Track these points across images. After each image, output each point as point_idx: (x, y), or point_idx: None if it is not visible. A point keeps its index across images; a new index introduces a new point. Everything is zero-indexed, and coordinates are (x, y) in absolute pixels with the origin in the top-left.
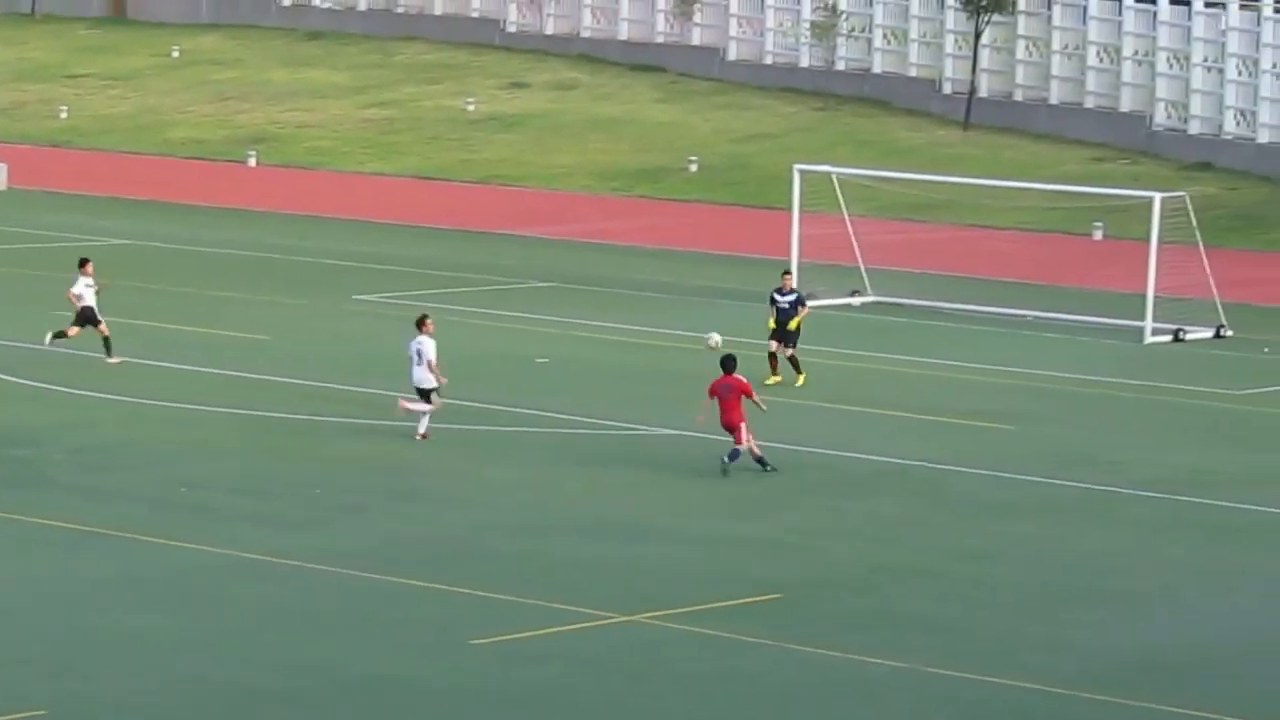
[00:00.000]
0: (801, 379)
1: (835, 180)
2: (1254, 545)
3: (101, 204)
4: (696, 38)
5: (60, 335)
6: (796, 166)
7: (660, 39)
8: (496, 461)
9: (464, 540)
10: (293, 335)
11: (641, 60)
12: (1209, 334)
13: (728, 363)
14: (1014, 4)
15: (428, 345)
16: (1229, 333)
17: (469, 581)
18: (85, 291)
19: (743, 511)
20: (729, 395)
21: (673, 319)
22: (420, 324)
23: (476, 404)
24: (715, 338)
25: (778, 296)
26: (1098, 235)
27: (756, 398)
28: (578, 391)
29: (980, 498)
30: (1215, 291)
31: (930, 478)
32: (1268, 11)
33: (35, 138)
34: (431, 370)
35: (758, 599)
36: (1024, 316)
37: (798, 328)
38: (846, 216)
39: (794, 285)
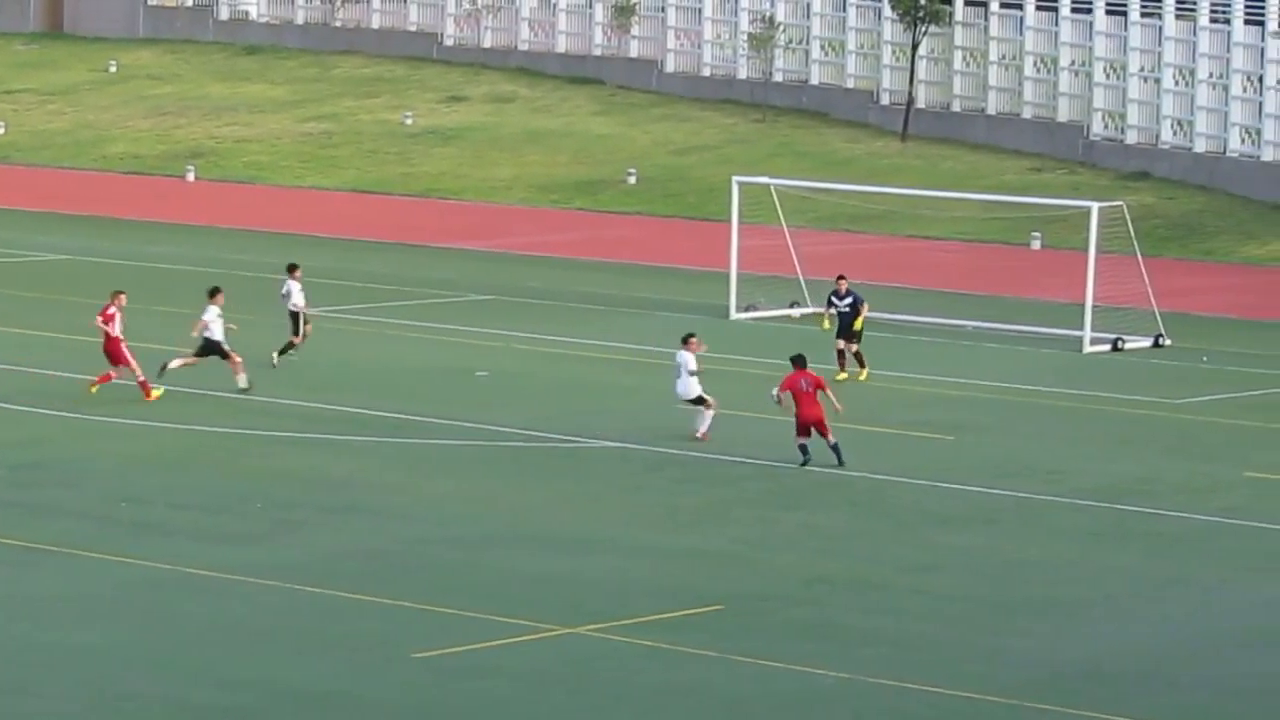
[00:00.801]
0: (864, 373)
1: (774, 191)
2: (1194, 554)
3: (39, 219)
4: (634, 50)
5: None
6: (735, 178)
7: (598, 51)
8: (436, 475)
9: (405, 554)
10: (235, 350)
11: (579, 73)
12: (1148, 343)
13: (799, 359)
14: (950, 15)
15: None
16: (1167, 342)
17: (410, 595)
18: (215, 323)
19: (684, 523)
20: (807, 389)
21: (612, 331)
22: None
23: (416, 417)
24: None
25: (835, 300)
26: (1036, 245)
27: (831, 394)
28: (517, 405)
29: (921, 508)
30: (1154, 301)
31: (871, 488)
32: (1203, 21)
33: None
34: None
35: (700, 610)
36: (963, 327)
37: (861, 327)
38: (785, 228)
39: (848, 288)
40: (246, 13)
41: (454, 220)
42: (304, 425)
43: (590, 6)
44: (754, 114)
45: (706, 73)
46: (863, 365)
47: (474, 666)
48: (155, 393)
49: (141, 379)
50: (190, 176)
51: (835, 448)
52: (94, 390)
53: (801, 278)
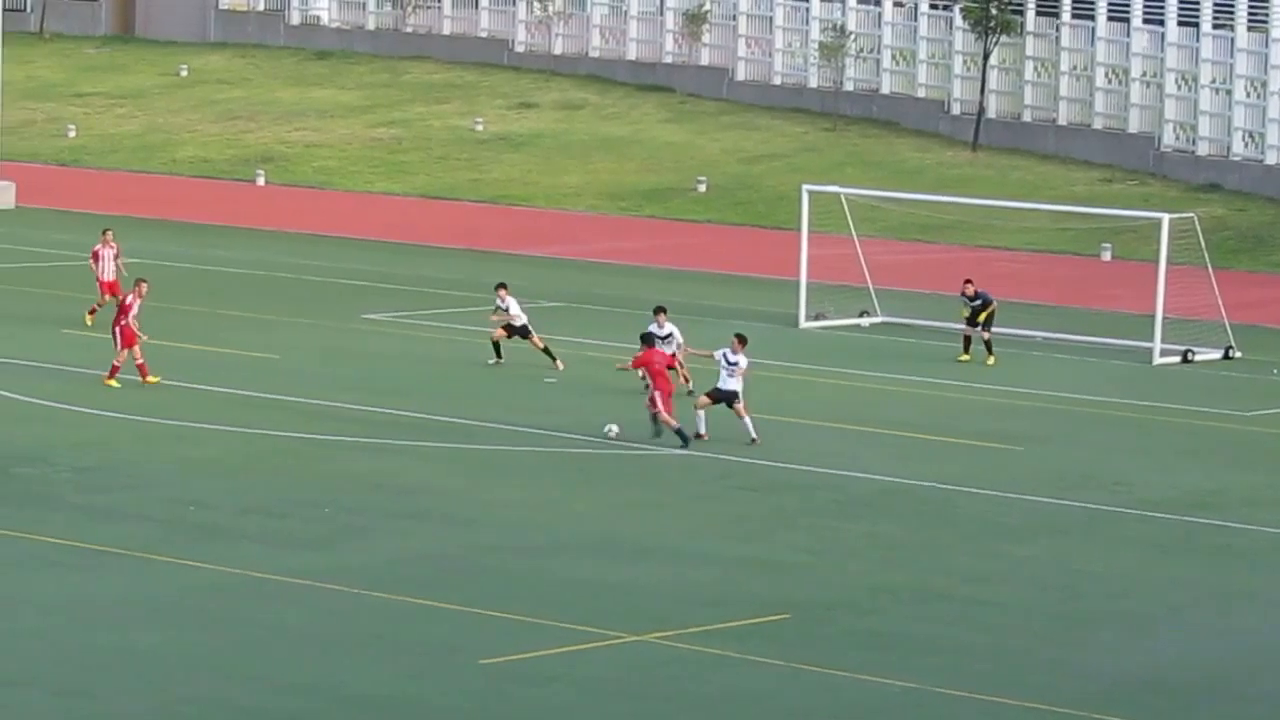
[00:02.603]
0: (992, 359)
1: (843, 200)
2: (1261, 566)
3: (109, 222)
4: (705, 58)
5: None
6: (805, 187)
7: (669, 59)
8: (503, 481)
9: (471, 560)
10: (301, 354)
11: (649, 80)
12: (1217, 355)
13: (647, 338)
14: (1022, 25)
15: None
16: (1237, 354)
17: (477, 601)
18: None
19: (750, 531)
20: (659, 366)
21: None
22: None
23: (483, 423)
24: (614, 429)
25: (966, 299)
26: (1106, 256)
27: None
28: (585, 411)
29: (987, 518)
30: (1224, 313)
31: (938, 498)
32: (1276, 33)
33: (43, 156)
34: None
35: (765, 619)
36: (1032, 337)
37: (988, 318)
38: (855, 237)
39: (976, 290)
40: (317, 17)
41: (523, 227)
42: (371, 430)
43: (661, 14)
44: (824, 123)
45: (777, 81)
46: (990, 352)
47: (539, 673)
48: (153, 378)
49: (140, 361)
50: (260, 181)
51: (654, 418)
52: (113, 383)
53: (871, 287)
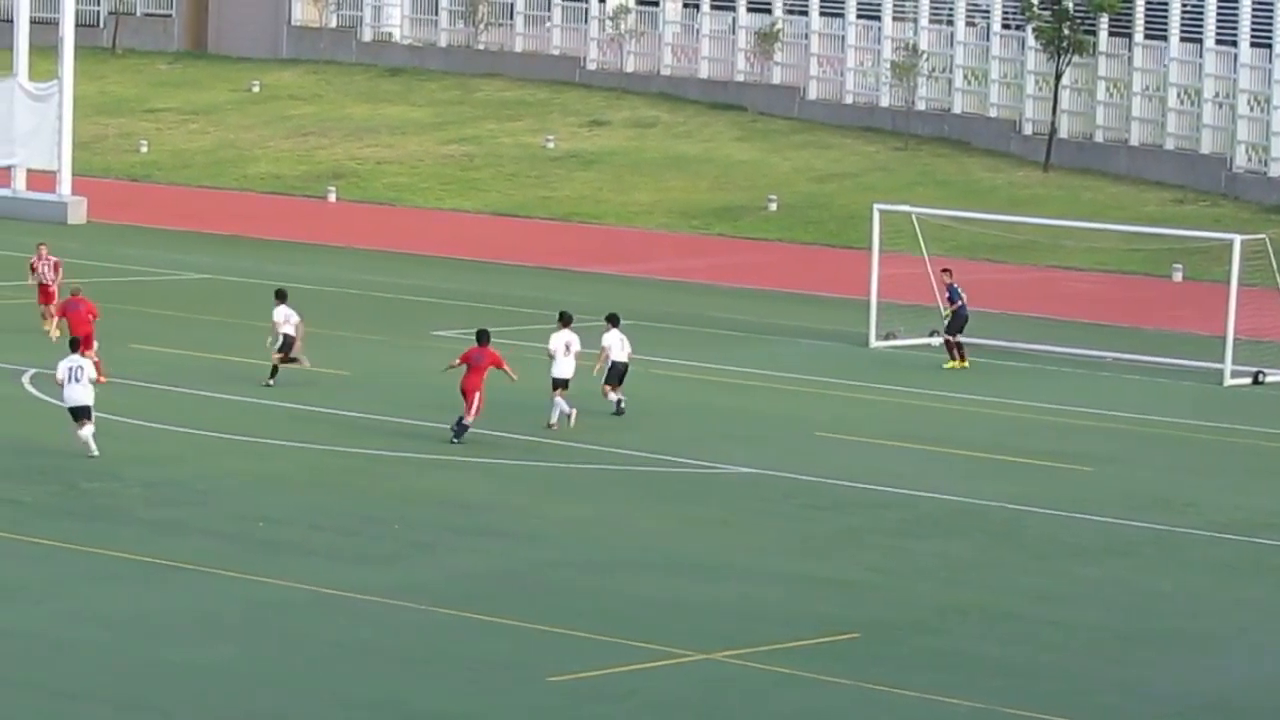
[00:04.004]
0: (954, 364)
1: (915, 220)
2: None
3: (180, 238)
4: (776, 76)
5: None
6: (876, 206)
7: (740, 77)
8: (570, 498)
9: (538, 577)
10: (372, 370)
11: (721, 99)
12: None
13: (482, 335)
14: (1095, 46)
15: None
16: None
17: (544, 618)
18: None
19: (818, 550)
20: (479, 363)
21: (750, 357)
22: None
23: (550, 440)
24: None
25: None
26: (1177, 277)
27: (507, 368)
28: (653, 429)
29: (1056, 539)
30: None
31: (1006, 518)
32: None
33: (115, 171)
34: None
35: (834, 638)
36: (1102, 358)
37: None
38: (926, 256)
39: (951, 284)
40: (390, 34)
41: (593, 244)
42: (438, 447)
43: (733, 32)
44: (895, 142)
45: (849, 100)
46: (957, 356)
47: (608, 691)
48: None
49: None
50: (331, 197)
51: (464, 425)
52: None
53: (942, 306)
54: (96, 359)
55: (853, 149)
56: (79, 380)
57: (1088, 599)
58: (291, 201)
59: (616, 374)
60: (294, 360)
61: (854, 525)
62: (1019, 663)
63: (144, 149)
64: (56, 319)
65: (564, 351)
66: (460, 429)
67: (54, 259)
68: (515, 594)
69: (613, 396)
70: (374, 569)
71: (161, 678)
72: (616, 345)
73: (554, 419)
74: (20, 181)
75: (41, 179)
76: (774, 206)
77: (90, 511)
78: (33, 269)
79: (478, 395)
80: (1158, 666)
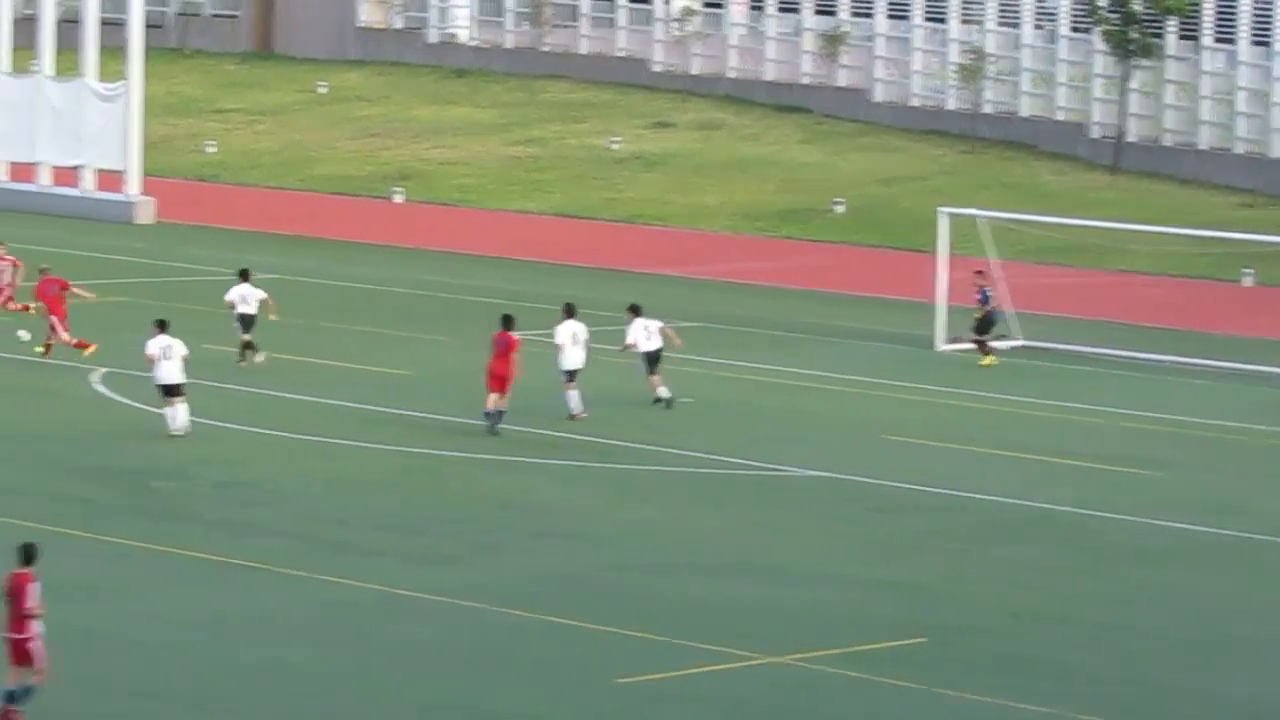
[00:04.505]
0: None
1: (981, 223)
2: None
3: (248, 238)
4: (842, 79)
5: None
6: (942, 209)
7: (806, 80)
8: (638, 500)
9: (606, 579)
10: (437, 371)
11: (787, 101)
12: None
13: (507, 320)
14: (1163, 49)
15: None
16: None
17: (612, 620)
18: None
19: (885, 554)
20: (503, 351)
21: (817, 360)
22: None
23: (619, 442)
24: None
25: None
26: (1247, 281)
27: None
28: (720, 431)
29: (1126, 544)
30: None
31: (1074, 522)
32: None
33: (183, 171)
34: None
35: (902, 642)
36: (1171, 362)
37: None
38: (992, 259)
39: (983, 287)
40: (455, 35)
41: (659, 246)
42: (506, 449)
43: (799, 35)
44: (962, 145)
45: (915, 103)
46: (986, 352)
47: (675, 693)
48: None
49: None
50: (397, 198)
51: (500, 414)
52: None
53: (1009, 310)
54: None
55: (919, 152)
56: (170, 358)
57: (1157, 604)
58: (357, 202)
59: (652, 362)
60: (251, 346)
61: (921, 529)
62: (1089, 668)
63: (211, 149)
64: (23, 309)
65: (571, 342)
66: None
67: (12, 259)
68: (583, 596)
69: (662, 391)
70: (441, 570)
71: (232, 678)
72: (643, 335)
73: (576, 409)
74: (89, 181)
75: (110, 179)
76: (840, 209)
77: (161, 511)
78: None
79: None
80: (1230, 672)
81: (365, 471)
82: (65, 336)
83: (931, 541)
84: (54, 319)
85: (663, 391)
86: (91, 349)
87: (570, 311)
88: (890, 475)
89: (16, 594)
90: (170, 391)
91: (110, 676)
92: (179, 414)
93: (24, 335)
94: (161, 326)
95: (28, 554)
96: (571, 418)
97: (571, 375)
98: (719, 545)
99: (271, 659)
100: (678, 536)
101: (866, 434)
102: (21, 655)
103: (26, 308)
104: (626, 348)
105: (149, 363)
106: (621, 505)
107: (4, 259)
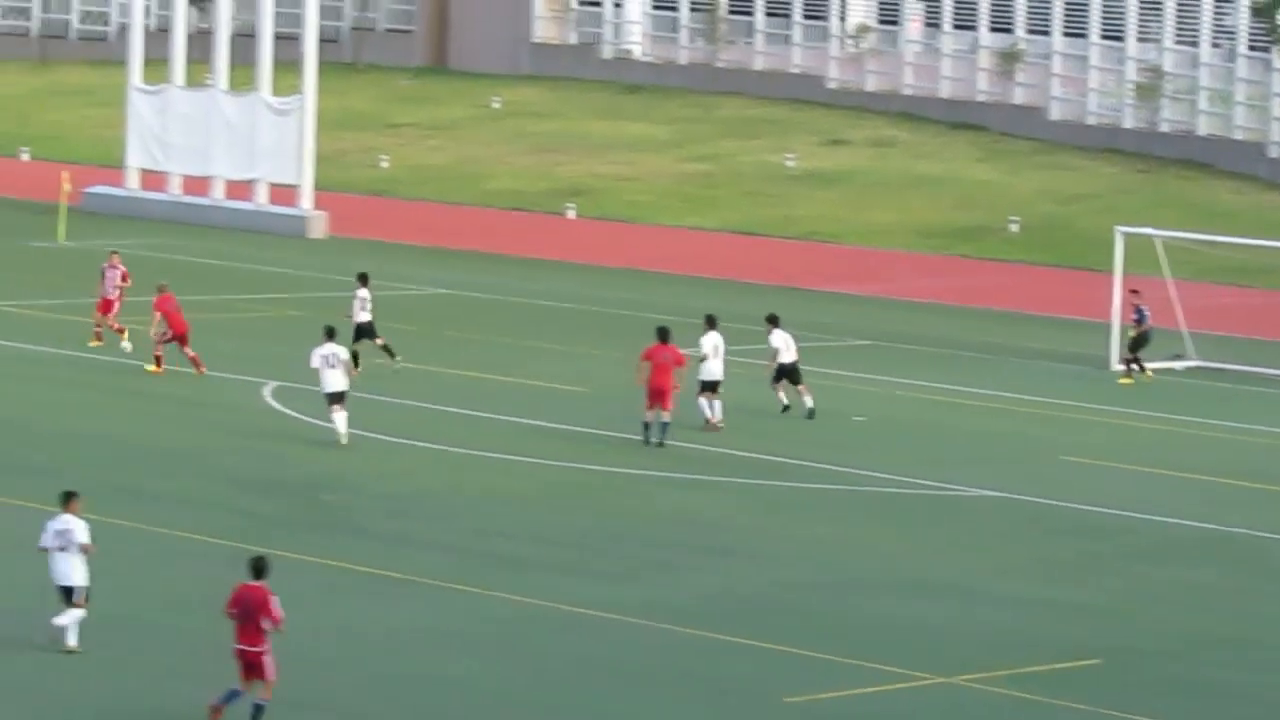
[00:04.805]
0: (1128, 380)
1: (1158, 243)
2: None
3: (420, 253)
4: (1018, 97)
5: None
6: (1118, 228)
7: (981, 97)
8: (810, 519)
9: (776, 597)
10: (609, 388)
11: (962, 118)
12: None
13: (662, 332)
14: None
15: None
16: None
17: (782, 638)
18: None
19: (1060, 575)
20: (665, 361)
21: (991, 379)
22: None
23: (791, 460)
24: None
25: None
26: None
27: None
28: (894, 450)
29: None
30: None
31: (1252, 545)
32: None
33: (356, 186)
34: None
35: (1076, 664)
36: None
37: (1140, 337)
38: (1169, 280)
39: (1139, 306)
40: (630, 51)
41: (833, 264)
42: (678, 465)
43: (974, 52)
44: (1138, 164)
45: (1091, 121)
46: (1130, 373)
47: (845, 713)
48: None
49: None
50: (570, 214)
51: (665, 426)
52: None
53: (1185, 330)
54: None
55: (1095, 170)
56: (335, 366)
57: None
58: (531, 218)
59: (787, 373)
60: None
61: (1097, 550)
62: (1267, 692)
63: (384, 164)
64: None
65: (713, 354)
66: (661, 430)
67: (123, 269)
68: (753, 614)
69: (782, 397)
70: (611, 586)
71: (396, 692)
72: (783, 345)
73: (713, 415)
74: (262, 196)
75: (283, 193)
76: (1015, 228)
77: (330, 524)
78: (102, 276)
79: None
80: None
81: (534, 487)
82: (189, 351)
83: (1106, 563)
84: (176, 336)
85: (808, 400)
86: (203, 370)
87: (712, 323)
88: (1065, 496)
89: (259, 607)
90: (334, 399)
91: (277, 690)
92: (339, 422)
93: (127, 347)
94: (330, 335)
95: (260, 567)
96: (707, 425)
97: (712, 386)
98: (892, 564)
99: (438, 674)
100: (850, 555)
101: (1041, 454)
102: (253, 669)
103: (123, 330)
104: (774, 359)
105: (314, 370)
106: (793, 523)
107: (115, 268)
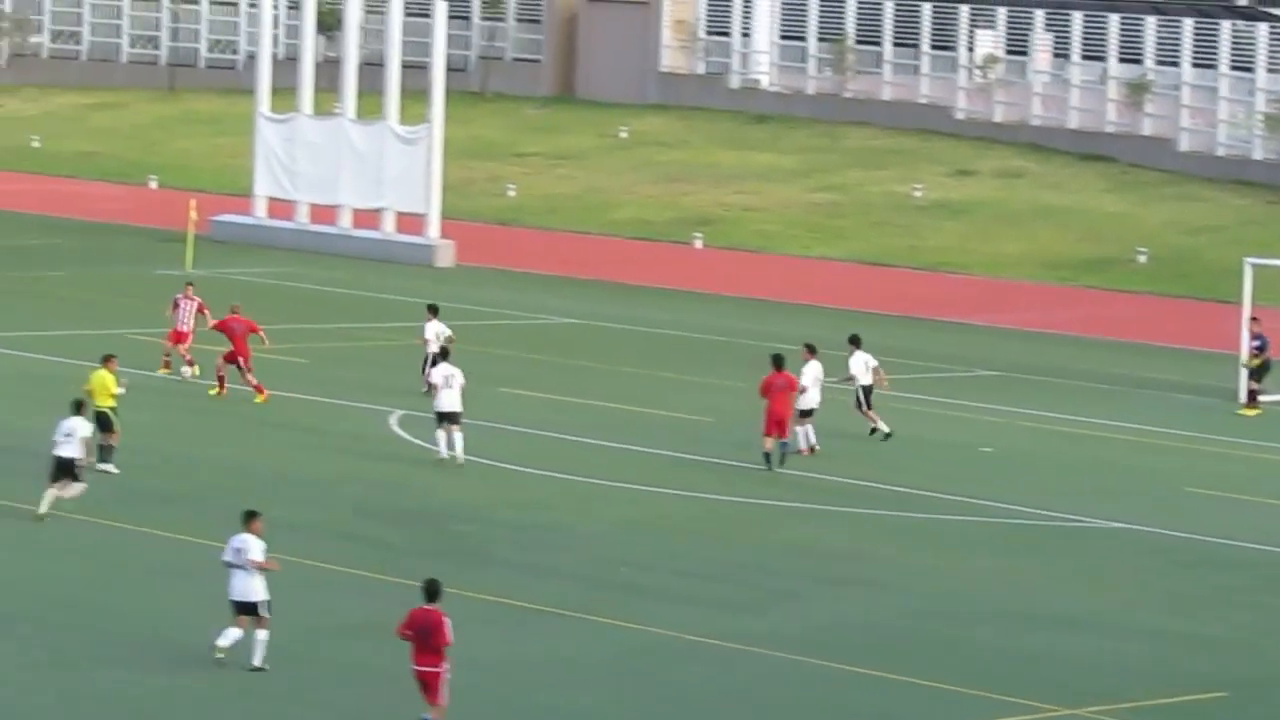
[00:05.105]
0: (1253, 411)
1: None
2: None
3: (547, 282)
4: (1147, 128)
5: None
6: (1247, 260)
7: (1110, 128)
8: (936, 549)
9: (901, 628)
10: (735, 418)
11: (1091, 149)
12: None
13: (778, 360)
14: None
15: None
16: None
17: (907, 669)
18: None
19: (1186, 607)
20: (782, 388)
21: (1119, 411)
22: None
23: (918, 491)
24: None
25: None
26: None
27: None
28: (1021, 481)
29: None
30: None
31: None
32: None
33: (483, 215)
34: None
35: (1202, 696)
36: None
37: (1262, 365)
38: None
39: (1258, 332)
40: (757, 81)
41: (960, 295)
42: (807, 496)
43: (1103, 83)
44: (1269, 195)
45: (1220, 152)
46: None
47: None
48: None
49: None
50: (697, 244)
51: (784, 445)
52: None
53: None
54: (258, 384)
55: (1224, 202)
56: (451, 386)
57: None
58: (657, 247)
59: (867, 396)
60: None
61: (1224, 583)
62: None
63: (511, 193)
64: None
65: (814, 383)
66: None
67: (198, 300)
68: (879, 645)
69: (882, 425)
70: (738, 616)
71: None
72: (862, 368)
73: (805, 444)
74: (390, 224)
75: (410, 222)
76: (1143, 259)
77: (459, 554)
78: (175, 306)
79: (789, 422)
80: None
81: (661, 517)
82: (250, 378)
83: (1233, 595)
84: (230, 357)
85: (883, 426)
86: (265, 396)
87: (813, 351)
88: (1192, 528)
89: (435, 629)
90: (448, 419)
91: (402, 717)
92: (455, 441)
93: (188, 372)
94: (444, 354)
95: (433, 590)
96: (800, 452)
97: (808, 414)
98: (1017, 595)
99: (567, 704)
100: (976, 585)
101: (1168, 486)
102: (427, 689)
103: (192, 362)
104: (848, 379)
105: (430, 389)
106: (920, 553)
107: (191, 299)
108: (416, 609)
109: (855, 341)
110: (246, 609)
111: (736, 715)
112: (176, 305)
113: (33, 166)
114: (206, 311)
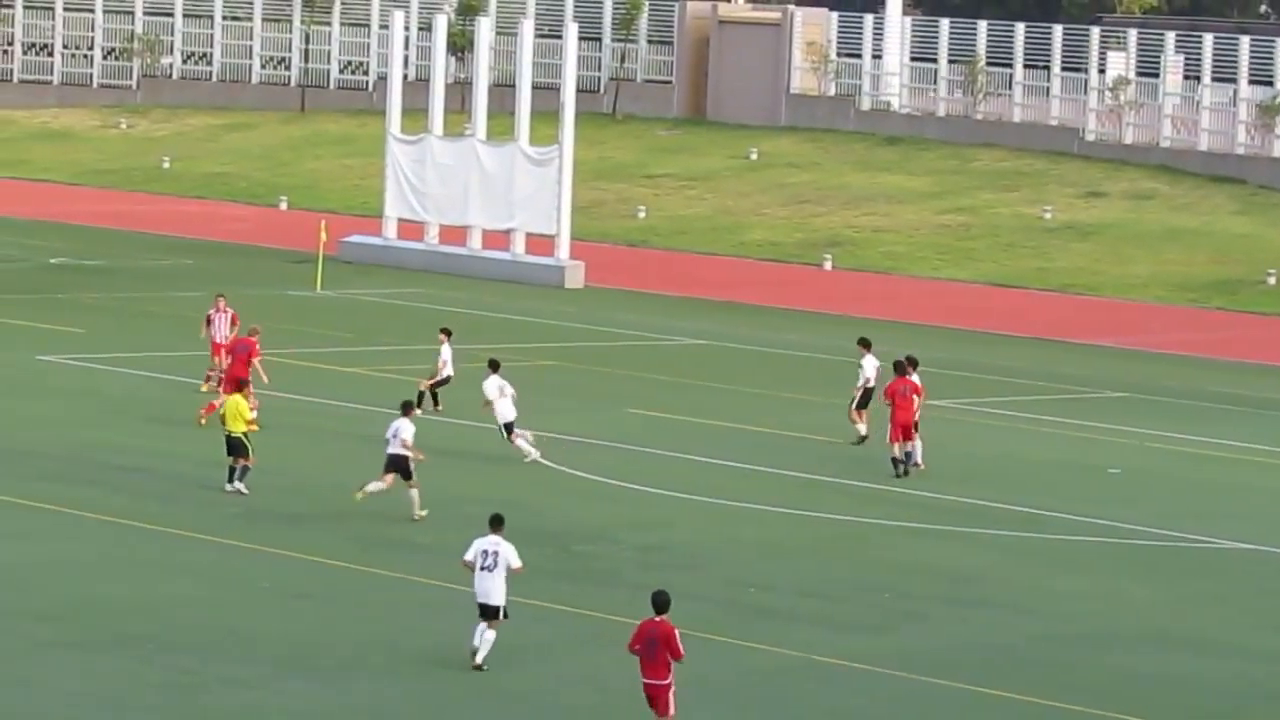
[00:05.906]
0: None
1: None
2: None
3: (676, 304)
4: (1278, 150)
5: None
6: None
7: (1241, 150)
8: (1064, 570)
9: (1028, 650)
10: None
11: (1221, 171)
12: None
13: (899, 366)
14: None
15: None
16: None
17: (1034, 690)
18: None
19: None
20: (906, 394)
21: (1248, 433)
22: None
23: (1046, 512)
24: None
25: None
26: None
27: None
28: (1149, 503)
29: None
30: None
31: None
32: None
33: (613, 236)
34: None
35: None
36: None
37: None
38: None
39: None
40: (888, 103)
41: (1090, 316)
42: (933, 517)
43: (1234, 105)
44: None
45: None
46: None
47: None
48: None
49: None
50: (827, 265)
51: (910, 454)
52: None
53: None
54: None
55: None
56: (505, 396)
57: None
58: (787, 269)
59: (865, 398)
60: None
61: None
62: None
63: (642, 214)
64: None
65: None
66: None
67: (231, 311)
68: (1008, 667)
69: (861, 429)
70: (866, 637)
71: None
72: (874, 372)
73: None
74: (520, 245)
75: (540, 243)
76: (1272, 281)
77: (584, 574)
78: (209, 322)
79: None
80: None
81: (787, 537)
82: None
83: None
84: (226, 375)
85: (863, 429)
86: (206, 420)
87: (912, 365)
88: None
89: (665, 640)
90: (507, 429)
91: None
92: (524, 445)
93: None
94: (494, 367)
95: (662, 602)
96: (918, 465)
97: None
98: (1145, 617)
99: None
100: (1103, 607)
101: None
102: (654, 703)
103: (213, 376)
104: (864, 385)
105: (486, 404)
106: (1047, 574)
107: (221, 311)
108: (645, 621)
109: (865, 344)
110: (489, 613)
111: None
112: (209, 321)
113: (162, 187)
114: (238, 323)
